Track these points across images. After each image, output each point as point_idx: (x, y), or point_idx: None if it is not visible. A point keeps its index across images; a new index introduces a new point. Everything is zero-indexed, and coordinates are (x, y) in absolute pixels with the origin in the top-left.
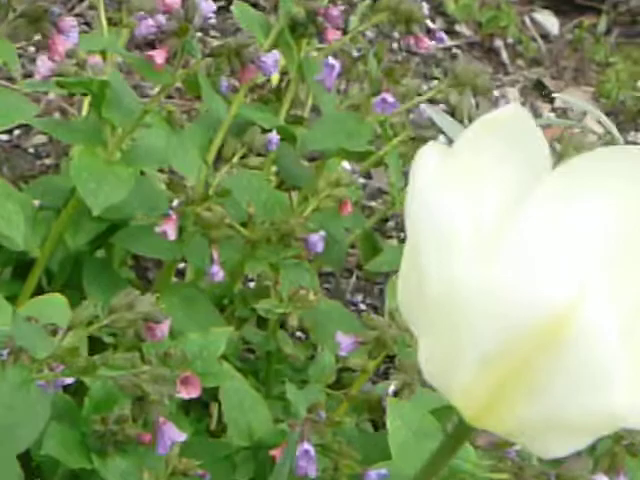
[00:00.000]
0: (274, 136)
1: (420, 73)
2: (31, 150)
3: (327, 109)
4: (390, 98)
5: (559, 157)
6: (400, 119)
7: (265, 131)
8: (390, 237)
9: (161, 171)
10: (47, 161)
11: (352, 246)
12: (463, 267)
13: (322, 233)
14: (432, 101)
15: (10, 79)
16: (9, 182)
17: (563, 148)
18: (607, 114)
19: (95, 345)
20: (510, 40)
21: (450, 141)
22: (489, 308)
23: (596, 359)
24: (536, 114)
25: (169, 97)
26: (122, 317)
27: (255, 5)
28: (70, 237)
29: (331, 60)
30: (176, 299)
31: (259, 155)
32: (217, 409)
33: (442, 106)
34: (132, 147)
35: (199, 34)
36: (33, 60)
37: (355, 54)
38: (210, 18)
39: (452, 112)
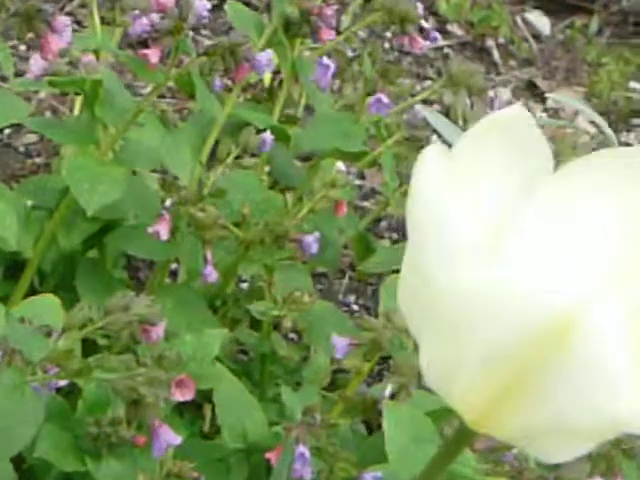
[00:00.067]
0: (268, 136)
1: (412, 73)
2: (22, 149)
3: (321, 109)
4: (385, 98)
5: (554, 157)
6: (395, 120)
7: (259, 131)
8: (382, 237)
9: (154, 171)
10: (38, 160)
11: (345, 247)
12: (466, 270)
13: (317, 234)
14: (426, 101)
15: (2, 78)
16: (0, 181)
17: (558, 148)
18: (599, 114)
19: (87, 347)
20: (502, 40)
21: (444, 142)
22: (492, 311)
23: (601, 363)
24: None
25: (160, 96)
26: (118, 319)
27: (247, 4)
28: (63, 237)
29: (326, 60)
30: (170, 300)
31: (253, 155)
32: (210, 410)
33: (436, 106)
34: (125, 147)
35: (190, 33)
36: (24, 59)
37: (349, 54)
38: (204, 17)
39: (446, 112)
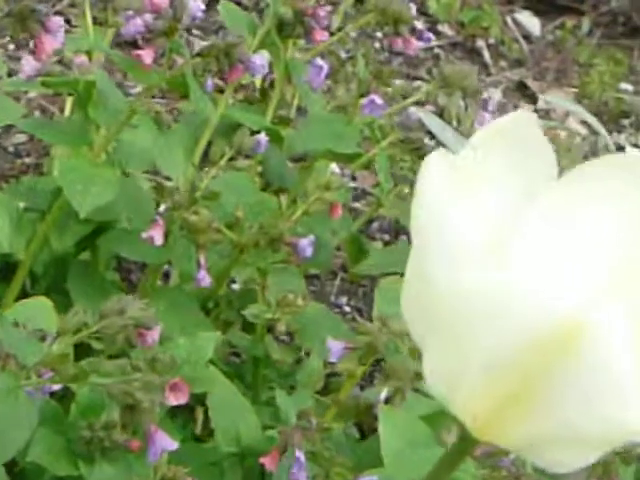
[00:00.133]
0: (263, 138)
1: (402, 73)
2: (11, 149)
3: (314, 110)
4: (379, 99)
5: None
6: (388, 121)
7: (252, 132)
8: (374, 239)
9: (147, 172)
10: (28, 160)
11: (337, 248)
12: (471, 276)
13: (311, 238)
14: (418, 102)
15: None
16: None
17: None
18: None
19: (80, 350)
20: (492, 41)
21: (439, 143)
22: (496, 315)
23: (609, 368)
24: None
25: (151, 96)
26: (113, 323)
27: (238, 4)
28: (56, 239)
29: (319, 61)
30: (162, 303)
31: (246, 157)
32: (202, 413)
33: (428, 107)
34: (118, 148)
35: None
36: (13, 58)
37: (342, 55)
38: (198, 17)
39: (440, 114)
